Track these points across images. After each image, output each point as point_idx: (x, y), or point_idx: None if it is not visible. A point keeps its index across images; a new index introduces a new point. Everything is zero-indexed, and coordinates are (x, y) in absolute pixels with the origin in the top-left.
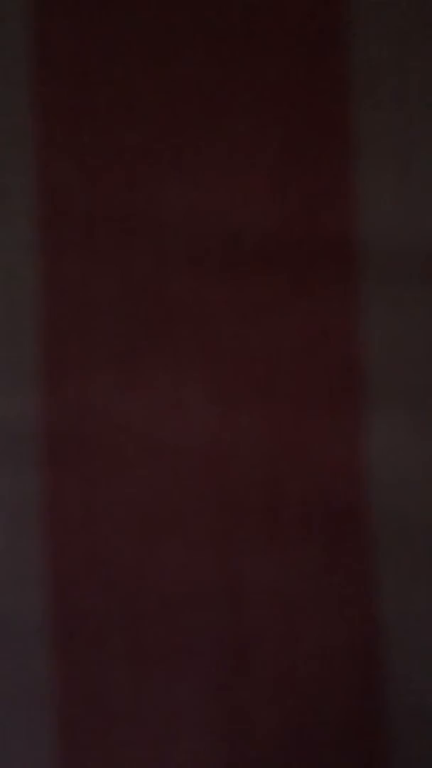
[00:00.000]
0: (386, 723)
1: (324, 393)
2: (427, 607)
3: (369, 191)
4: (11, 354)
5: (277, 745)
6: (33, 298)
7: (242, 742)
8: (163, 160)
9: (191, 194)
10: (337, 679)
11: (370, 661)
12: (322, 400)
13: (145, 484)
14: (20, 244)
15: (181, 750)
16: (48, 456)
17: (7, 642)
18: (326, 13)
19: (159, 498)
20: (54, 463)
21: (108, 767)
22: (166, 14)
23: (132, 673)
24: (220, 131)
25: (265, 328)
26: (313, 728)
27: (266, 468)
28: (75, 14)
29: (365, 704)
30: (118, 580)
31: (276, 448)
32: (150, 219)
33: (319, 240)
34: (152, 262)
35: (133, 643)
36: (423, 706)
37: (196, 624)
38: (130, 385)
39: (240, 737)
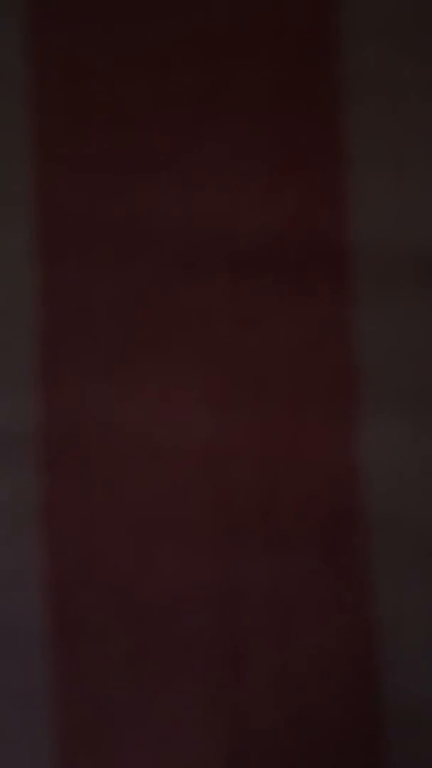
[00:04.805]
0: (383, 726)
1: (319, 396)
2: (423, 610)
3: (362, 196)
4: (9, 360)
5: (275, 748)
6: (31, 304)
7: (240, 745)
8: (160, 167)
9: (187, 201)
10: (333, 681)
11: (366, 664)
12: (317, 403)
13: (143, 489)
14: (18, 252)
15: (180, 752)
16: (46, 461)
17: (6, 645)
18: (319, 20)
19: (156, 502)
20: (52, 468)
21: None
22: (162, 22)
23: (130, 676)
24: (215, 138)
25: (261, 332)
26: (311, 731)
27: (262, 472)
28: (72, 24)
29: (362, 707)
30: (116, 583)
31: (272, 452)
32: (147, 226)
33: (313, 245)
34: (149, 268)
35: (131, 645)
36: (419, 709)
37: (193, 627)
38: (128, 390)
39: (238, 740)
